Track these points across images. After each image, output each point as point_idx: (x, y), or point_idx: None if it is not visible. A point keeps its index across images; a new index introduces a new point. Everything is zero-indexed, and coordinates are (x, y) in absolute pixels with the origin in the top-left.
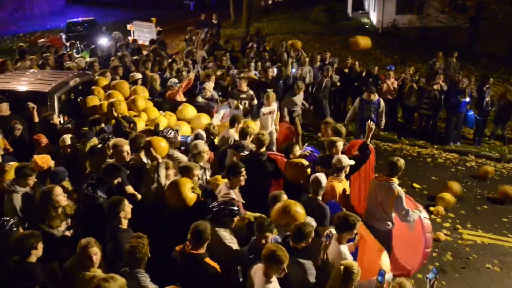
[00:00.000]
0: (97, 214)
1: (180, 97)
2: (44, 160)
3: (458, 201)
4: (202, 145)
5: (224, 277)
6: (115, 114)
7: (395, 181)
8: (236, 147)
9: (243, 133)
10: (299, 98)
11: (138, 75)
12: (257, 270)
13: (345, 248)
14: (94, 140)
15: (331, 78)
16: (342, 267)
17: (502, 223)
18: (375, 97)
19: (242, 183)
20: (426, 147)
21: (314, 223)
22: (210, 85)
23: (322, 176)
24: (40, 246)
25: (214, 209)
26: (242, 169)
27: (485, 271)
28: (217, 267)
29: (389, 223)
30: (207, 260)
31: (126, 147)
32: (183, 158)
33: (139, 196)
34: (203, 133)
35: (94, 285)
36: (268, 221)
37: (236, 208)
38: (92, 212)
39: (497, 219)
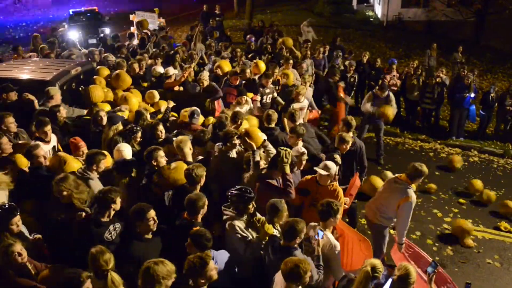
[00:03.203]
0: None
1: (178, 87)
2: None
3: (460, 196)
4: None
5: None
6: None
7: (413, 186)
8: (214, 138)
9: (221, 124)
10: (308, 93)
11: (172, 70)
12: (280, 282)
13: (330, 234)
14: (119, 125)
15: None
16: (369, 268)
17: (503, 219)
18: (385, 93)
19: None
20: (428, 142)
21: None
22: (205, 74)
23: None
24: (119, 200)
25: (229, 195)
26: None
27: (485, 266)
28: None
29: (388, 222)
30: (195, 228)
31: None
32: (273, 150)
33: None
34: (199, 111)
35: (143, 268)
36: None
37: (251, 195)
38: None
39: (499, 214)
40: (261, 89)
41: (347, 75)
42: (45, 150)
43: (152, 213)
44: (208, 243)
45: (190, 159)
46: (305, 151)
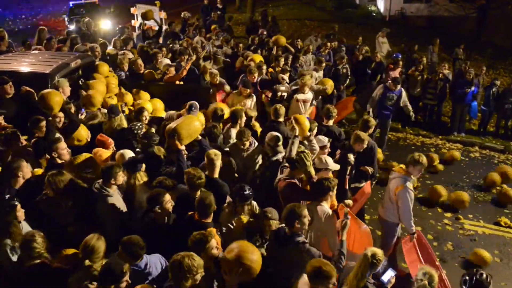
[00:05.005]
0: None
1: (178, 81)
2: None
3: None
4: (326, 140)
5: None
6: None
7: (413, 179)
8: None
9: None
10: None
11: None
12: (304, 285)
13: (326, 207)
14: (122, 117)
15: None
16: (369, 253)
17: (503, 214)
18: (397, 87)
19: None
20: (430, 137)
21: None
22: (215, 71)
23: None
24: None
25: (233, 191)
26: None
27: None
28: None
29: (395, 217)
30: (210, 230)
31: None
32: (317, 147)
33: None
34: (197, 105)
35: (174, 262)
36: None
37: (248, 193)
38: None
39: (499, 210)
40: (276, 85)
41: (337, 67)
42: None
43: (168, 196)
44: (141, 252)
45: (216, 175)
46: (325, 140)
